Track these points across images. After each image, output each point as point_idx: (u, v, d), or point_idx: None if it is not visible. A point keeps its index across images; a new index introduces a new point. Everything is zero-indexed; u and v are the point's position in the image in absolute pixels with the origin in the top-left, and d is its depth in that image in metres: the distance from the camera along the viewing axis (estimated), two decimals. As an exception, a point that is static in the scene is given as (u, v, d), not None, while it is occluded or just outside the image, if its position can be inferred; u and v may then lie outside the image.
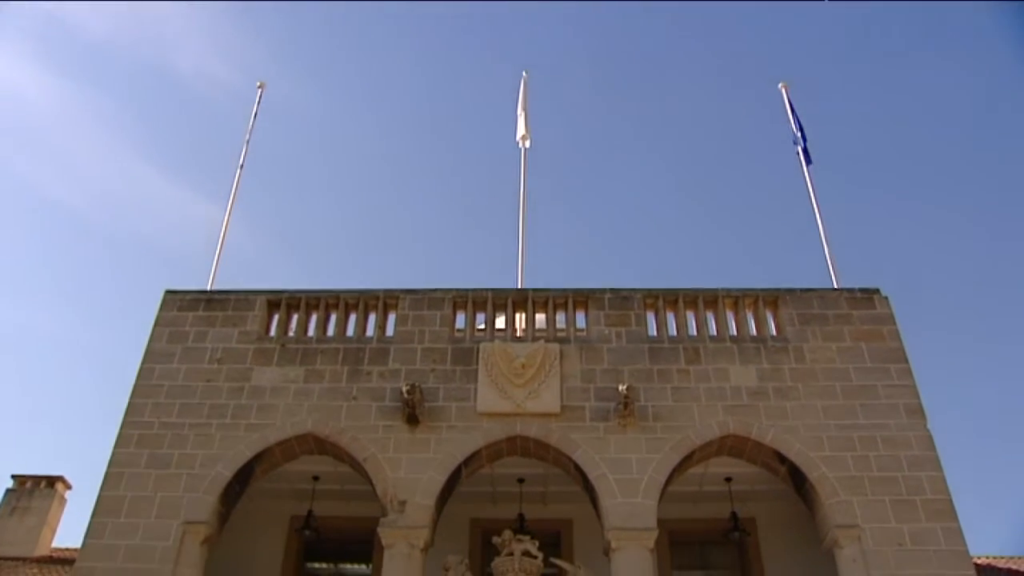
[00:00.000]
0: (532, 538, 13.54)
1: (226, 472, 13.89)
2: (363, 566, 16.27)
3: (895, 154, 47.40)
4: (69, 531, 35.61)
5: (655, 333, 15.29)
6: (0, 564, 19.43)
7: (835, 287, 16.12)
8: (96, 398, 47.91)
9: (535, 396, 14.25)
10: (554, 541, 15.43)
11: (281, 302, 15.79)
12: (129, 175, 46.69)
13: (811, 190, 17.96)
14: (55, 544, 21.60)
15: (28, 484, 21.68)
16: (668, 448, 13.90)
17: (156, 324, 15.61)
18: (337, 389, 14.59)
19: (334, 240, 52.51)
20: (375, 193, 52.90)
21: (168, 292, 16.04)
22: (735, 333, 15.31)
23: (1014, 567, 19.51)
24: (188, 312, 15.71)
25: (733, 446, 14.25)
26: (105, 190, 47.07)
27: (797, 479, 14.06)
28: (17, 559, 19.97)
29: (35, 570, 19.21)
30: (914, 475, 13.71)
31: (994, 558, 20.23)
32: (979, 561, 17.50)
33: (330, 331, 15.50)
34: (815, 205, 17.76)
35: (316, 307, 15.76)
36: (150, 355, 15.21)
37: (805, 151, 18.29)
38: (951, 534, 13.17)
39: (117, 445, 14.23)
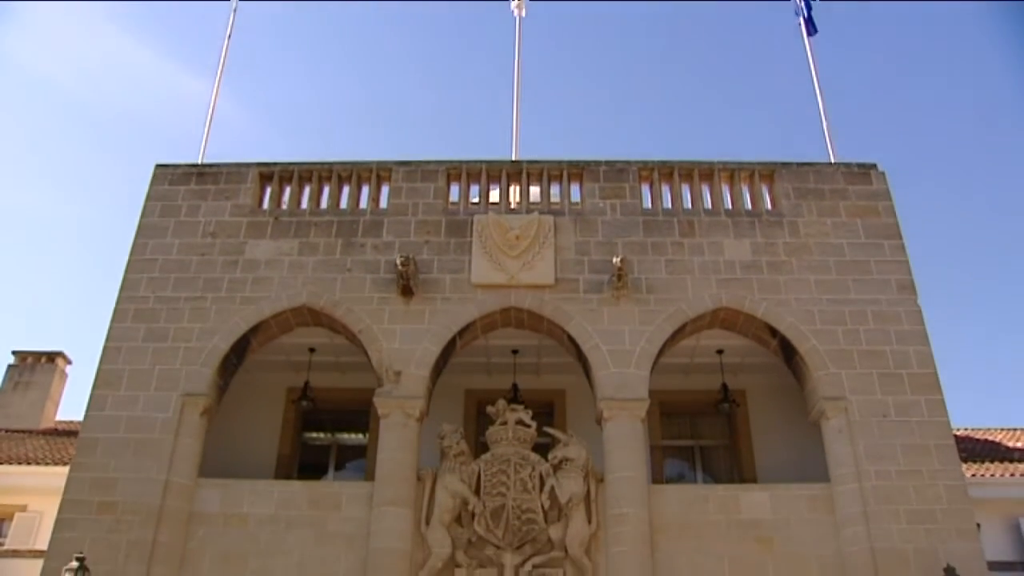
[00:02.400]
0: (525, 408, 13.75)
1: (223, 345, 14.04)
2: (360, 436, 16.62)
3: (897, 24, 46.18)
4: (71, 405, 36.39)
5: (650, 205, 15.26)
6: (7, 437, 19.87)
7: (832, 161, 15.98)
8: (92, 276, 48.11)
9: (529, 268, 14.30)
10: (547, 411, 15.73)
11: (273, 174, 15.64)
12: (116, 50, 45.52)
13: (811, 62, 17.59)
14: (59, 418, 22.06)
15: (29, 360, 22.01)
16: (661, 320, 14.04)
17: (148, 198, 15.50)
18: (331, 261, 14.61)
19: (326, 112, 51.59)
20: (368, 63, 51.70)
21: (159, 166, 15.87)
22: (730, 206, 15.27)
23: (990, 438, 20.08)
24: (180, 186, 15.59)
25: (725, 319, 14.39)
26: (92, 66, 45.98)
27: (787, 352, 14.25)
28: (23, 432, 20.41)
29: (41, 442, 19.64)
30: (902, 349, 13.91)
31: (972, 430, 20.80)
32: (958, 433, 17.95)
33: (323, 203, 15.42)
34: (815, 77, 17.44)
35: (309, 179, 15.63)
36: (143, 230, 15.16)
37: (808, 20, 17.79)
38: (934, 406, 13.47)
39: (114, 320, 14.34)
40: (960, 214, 45.93)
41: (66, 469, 13.53)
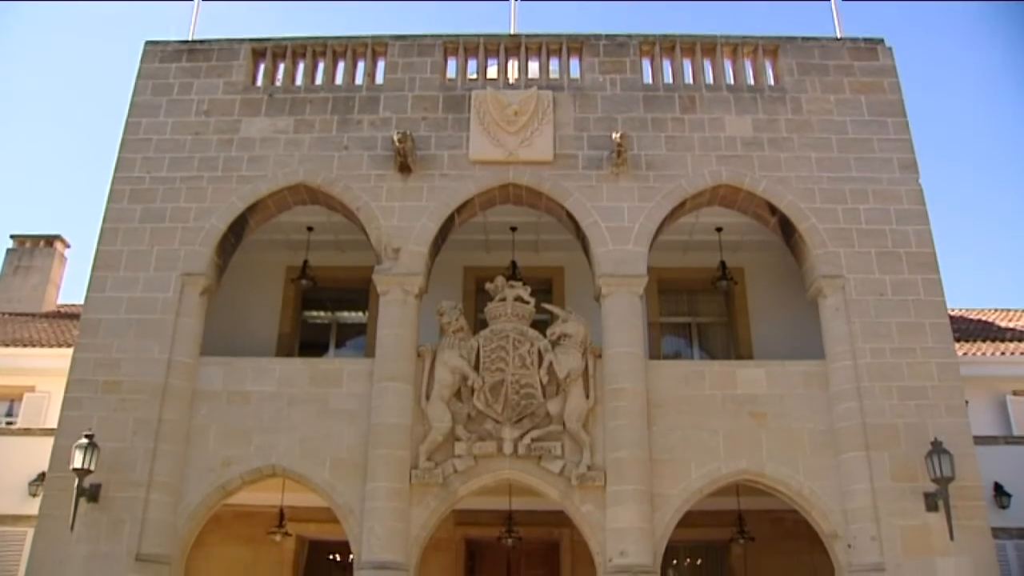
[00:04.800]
0: (524, 284, 13.77)
1: (220, 224, 13.99)
2: (359, 314, 16.78)
3: None
4: (72, 289, 36.48)
5: (650, 80, 14.95)
6: (11, 320, 20.07)
7: (838, 36, 15.59)
8: (87, 158, 47.68)
9: (528, 144, 14.11)
10: (546, 288, 15.87)
11: (267, 50, 15.26)
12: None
13: (820, -68, 17.01)
14: (60, 301, 22.24)
15: (27, 244, 22.08)
16: (660, 197, 13.95)
17: (139, 77, 15.18)
18: (328, 139, 14.41)
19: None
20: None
21: (148, 43, 15.48)
22: (732, 82, 14.97)
23: (984, 318, 20.31)
24: (171, 63, 15.24)
25: (725, 196, 14.30)
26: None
27: (786, 230, 14.21)
28: (26, 315, 20.60)
29: (45, 324, 19.86)
30: (901, 228, 13.87)
31: (967, 310, 21.03)
32: (953, 313, 18.15)
33: (318, 80, 15.09)
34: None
35: (303, 55, 15.25)
36: (135, 108, 14.90)
37: None
38: (931, 285, 13.51)
39: (110, 201, 14.24)
40: (964, 94, 45.22)
41: (71, 351, 13.67)
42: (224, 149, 14.48)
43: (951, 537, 11.87)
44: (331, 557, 17.33)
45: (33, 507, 13.44)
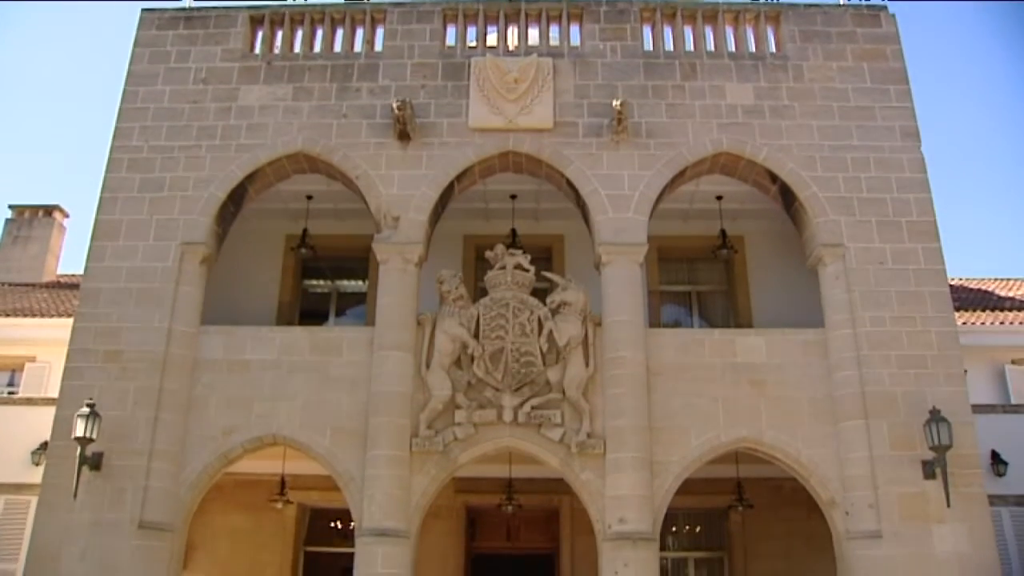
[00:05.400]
0: (524, 253, 13.74)
1: (219, 193, 13.93)
2: (359, 283, 16.77)
3: None
4: (71, 260, 36.51)
5: (651, 47, 14.83)
6: (11, 291, 20.07)
7: (840, 3, 15.44)
8: (85, 128, 47.51)
9: (527, 111, 14.02)
10: (546, 256, 15.80)
11: (264, 17, 15.12)
12: None
13: None
14: (60, 271, 22.22)
15: (26, 214, 22.01)
16: (660, 165, 13.88)
17: (135, 44, 15.05)
18: (326, 107, 14.32)
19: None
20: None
21: (145, 11, 15.35)
22: (733, 49, 14.85)
23: (984, 287, 20.32)
24: (168, 31, 15.10)
25: (726, 164, 14.23)
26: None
27: (787, 198, 14.17)
28: (26, 285, 20.60)
29: (45, 294, 19.86)
30: (902, 197, 13.82)
31: (967, 279, 21.03)
32: (953, 282, 18.16)
33: (317, 47, 14.96)
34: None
35: (301, 22, 15.12)
36: (132, 77, 14.80)
37: None
38: (931, 254, 13.48)
39: (108, 170, 14.17)
40: (966, 62, 44.95)
41: (71, 320, 13.67)
42: (222, 117, 14.39)
43: (948, 504, 11.95)
44: (332, 525, 17.44)
45: (36, 476, 13.52)
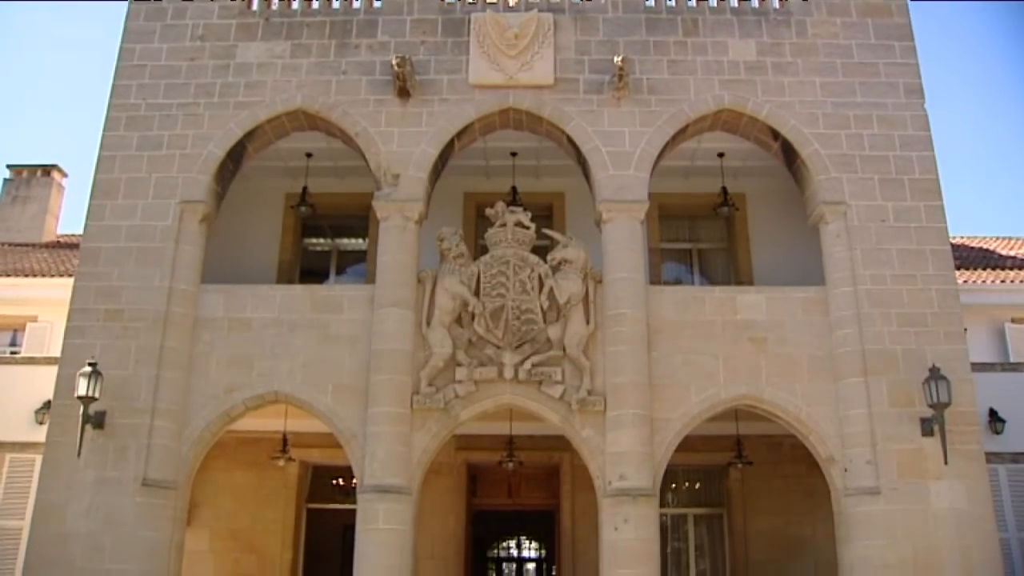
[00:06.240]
0: (525, 210, 13.69)
1: (218, 151, 13.85)
2: (359, 241, 16.74)
3: None
4: (70, 220, 36.44)
5: (652, 3, 14.60)
6: (11, 251, 20.04)
7: (845, -43, 15.22)
8: (83, 87, 47.17)
9: (528, 68, 13.88)
10: (546, 213, 15.77)
11: (261, -28, 14.94)
12: None
13: None
14: (59, 231, 22.17)
15: (24, 174, 21.89)
16: (662, 121, 13.78)
17: (131, 1, 14.86)
18: (325, 64, 14.17)
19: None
20: None
21: (141, -34, 15.14)
22: (736, 4, 14.63)
23: (986, 246, 20.29)
24: (164, -13, 14.92)
25: (727, 121, 14.14)
26: None
27: (789, 155, 14.09)
28: (25, 245, 20.56)
29: (45, 254, 19.84)
30: (905, 155, 13.75)
31: (968, 238, 20.99)
32: (954, 241, 18.12)
33: (315, 3, 14.72)
34: None
35: (298, -23, 14.94)
36: (129, 34, 14.62)
37: None
38: (933, 212, 13.45)
39: (106, 128, 14.08)
40: (972, 19, 44.52)
41: (71, 280, 13.68)
42: (220, 75, 14.27)
43: (945, 461, 12.04)
44: (334, 482, 17.58)
45: (40, 434, 13.58)
